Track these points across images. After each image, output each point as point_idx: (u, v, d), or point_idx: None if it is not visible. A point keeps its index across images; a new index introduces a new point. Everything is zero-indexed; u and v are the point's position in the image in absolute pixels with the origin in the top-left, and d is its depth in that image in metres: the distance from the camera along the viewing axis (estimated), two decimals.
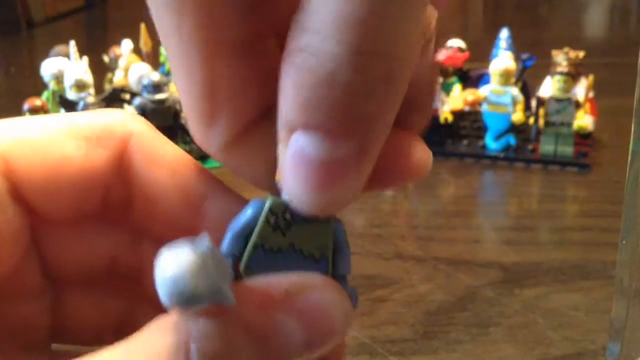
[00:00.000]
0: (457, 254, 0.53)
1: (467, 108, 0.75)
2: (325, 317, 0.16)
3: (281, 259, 0.18)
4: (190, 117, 0.17)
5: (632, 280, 0.32)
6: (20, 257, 0.20)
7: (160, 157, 0.20)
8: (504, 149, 0.73)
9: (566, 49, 0.71)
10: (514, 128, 0.72)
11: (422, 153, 0.19)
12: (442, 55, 0.82)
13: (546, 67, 0.72)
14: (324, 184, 0.15)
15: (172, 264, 0.14)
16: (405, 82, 0.15)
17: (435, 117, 0.74)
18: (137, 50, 0.90)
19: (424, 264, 0.52)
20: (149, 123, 0.21)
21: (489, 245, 0.56)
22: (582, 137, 0.70)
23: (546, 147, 0.70)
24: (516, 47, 0.81)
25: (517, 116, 0.71)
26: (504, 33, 0.82)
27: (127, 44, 0.92)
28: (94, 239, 0.21)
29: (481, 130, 0.75)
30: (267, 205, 0.18)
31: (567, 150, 0.70)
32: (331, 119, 0.15)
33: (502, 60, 0.71)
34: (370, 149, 0.15)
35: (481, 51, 0.88)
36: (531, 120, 0.73)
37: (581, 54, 0.71)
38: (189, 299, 0.14)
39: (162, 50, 0.92)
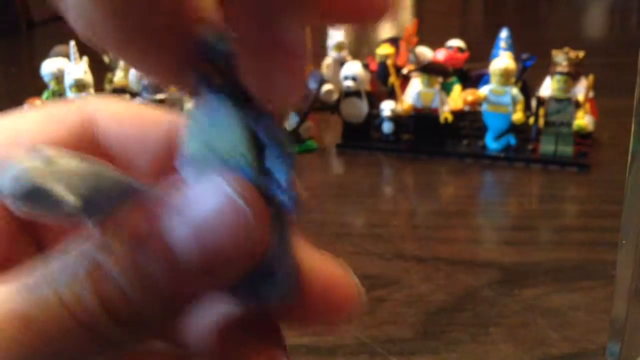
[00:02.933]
0: (457, 254, 0.53)
1: (467, 108, 0.75)
2: (213, 218, 0.15)
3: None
4: None
5: (632, 280, 0.32)
6: (9, 240, 0.20)
7: (123, 115, 0.20)
8: (504, 149, 0.73)
9: (566, 49, 0.71)
10: (514, 128, 0.72)
11: None
12: (442, 55, 0.82)
13: (546, 67, 0.72)
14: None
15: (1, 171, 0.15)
16: None
17: (435, 117, 0.74)
18: None
19: (424, 264, 0.52)
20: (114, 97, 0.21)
21: (489, 245, 0.56)
22: (582, 137, 0.70)
23: (546, 147, 0.70)
24: (516, 47, 0.81)
25: (517, 116, 0.71)
26: (504, 33, 0.82)
27: None
28: None
29: (481, 130, 0.75)
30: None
31: (567, 150, 0.70)
32: None
33: (502, 60, 0.71)
34: None
35: (481, 51, 0.88)
36: (531, 120, 0.73)
37: (581, 54, 0.71)
38: (11, 202, 0.14)
39: None
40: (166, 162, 0.19)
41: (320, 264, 0.18)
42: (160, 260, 0.15)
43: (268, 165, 0.16)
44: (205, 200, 0.15)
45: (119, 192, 0.15)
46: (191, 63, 0.16)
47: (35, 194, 0.14)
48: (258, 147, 0.16)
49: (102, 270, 0.15)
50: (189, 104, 0.18)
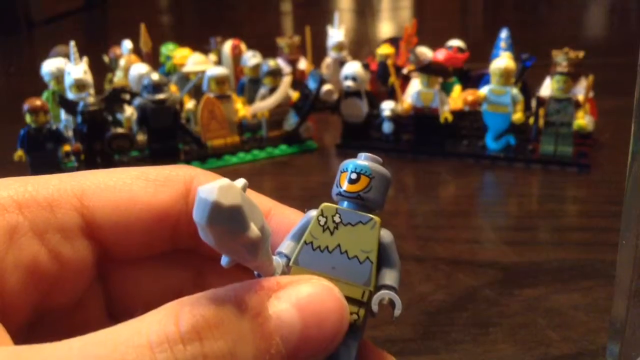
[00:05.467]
0: (457, 254, 0.53)
1: (467, 108, 0.75)
2: (318, 304, 0.18)
3: (328, 257, 0.20)
4: None
5: (632, 280, 0.32)
6: (83, 291, 0.21)
7: None
8: (504, 149, 0.73)
9: (566, 49, 0.71)
10: (514, 128, 0.72)
11: None
12: (442, 55, 0.82)
13: (546, 67, 0.72)
14: None
15: (206, 187, 0.16)
16: None
17: (435, 117, 0.74)
18: (137, 50, 0.90)
19: (424, 264, 0.52)
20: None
21: (489, 245, 0.56)
22: (582, 137, 0.70)
23: (546, 147, 0.70)
24: (516, 47, 0.81)
25: (517, 116, 0.71)
26: (504, 33, 0.82)
27: (127, 44, 0.92)
28: (161, 276, 0.23)
29: (481, 130, 0.75)
30: (320, 208, 0.20)
31: (567, 150, 0.70)
32: None
33: (502, 60, 0.71)
34: None
35: (481, 51, 0.88)
36: (531, 120, 0.73)
37: (581, 54, 0.71)
38: (212, 210, 0.15)
39: (162, 50, 0.93)
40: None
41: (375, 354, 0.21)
42: (266, 335, 0.17)
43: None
44: (314, 287, 0.18)
45: (269, 239, 0.18)
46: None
47: (235, 212, 0.16)
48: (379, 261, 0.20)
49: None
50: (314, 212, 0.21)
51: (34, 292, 0.20)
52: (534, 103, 0.73)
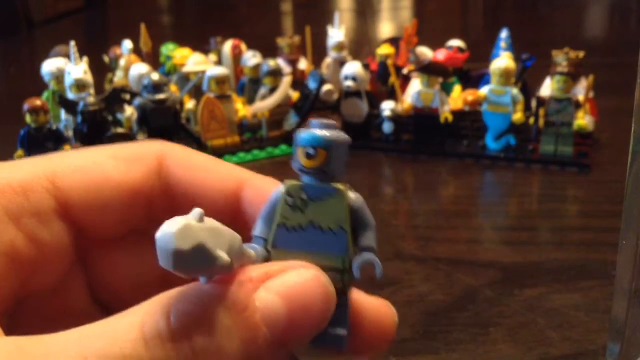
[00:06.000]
0: (457, 254, 0.53)
1: (467, 108, 0.75)
2: (303, 292, 0.18)
3: (303, 235, 0.20)
4: None
5: (632, 280, 0.32)
6: (63, 275, 0.21)
7: (193, 162, 0.22)
8: (504, 149, 0.73)
9: (566, 49, 0.71)
10: (514, 128, 0.72)
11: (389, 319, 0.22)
12: (442, 55, 0.82)
13: (546, 67, 0.72)
14: None
15: (163, 230, 0.16)
16: None
17: (435, 117, 0.74)
18: (137, 50, 0.90)
19: (424, 264, 0.52)
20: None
21: (489, 245, 0.56)
22: (582, 137, 0.70)
23: (546, 147, 0.70)
24: (516, 47, 0.81)
25: (517, 116, 0.71)
26: (504, 33, 0.82)
27: (127, 44, 0.92)
28: (141, 255, 0.23)
29: (481, 130, 0.75)
30: (283, 188, 0.20)
31: (567, 150, 0.70)
32: None
33: (502, 60, 0.71)
34: None
35: (481, 51, 0.88)
36: (531, 120, 0.73)
37: (581, 54, 0.71)
38: (176, 258, 0.15)
39: (162, 50, 0.93)
40: (227, 210, 0.22)
41: (367, 307, 0.22)
42: (252, 328, 0.17)
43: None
44: (299, 275, 0.18)
45: (239, 253, 0.18)
46: None
47: (198, 252, 0.16)
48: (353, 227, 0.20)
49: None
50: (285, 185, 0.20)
51: (13, 279, 0.20)
52: (534, 103, 0.73)
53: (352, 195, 0.21)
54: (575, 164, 0.69)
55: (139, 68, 0.82)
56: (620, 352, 0.34)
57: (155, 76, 0.74)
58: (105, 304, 0.22)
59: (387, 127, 0.76)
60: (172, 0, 2.46)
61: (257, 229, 0.20)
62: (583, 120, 0.69)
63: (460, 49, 0.86)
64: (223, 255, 0.16)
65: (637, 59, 0.29)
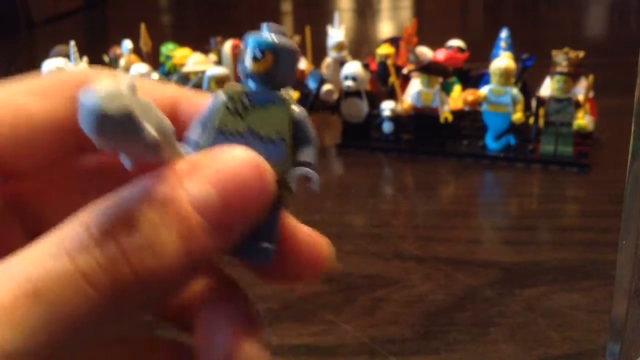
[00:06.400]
0: (457, 254, 0.53)
1: (467, 108, 0.75)
2: (236, 173, 0.17)
3: (240, 142, 0.19)
4: None
5: (632, 280, 0.32)
6: None
7: None
8: (504, 149, 0.73)
9: (566, 49, 0.71)
10: (514, 128, 0.72)
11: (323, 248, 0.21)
12: (442, 55, 0.82)
13: (546, 67, 0.72)
14: None
15: (90, 90, 0.14)
16: None
17: (435, 117, 0.74)
18: (137, 50, 0.90)
19: (424, 264, 0.52)
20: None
21: (489, 245, 0.56)
22: (582, 137, 0.70)
23: (546, 147, 0.70)
24: (516, 47, 0.81)
25: (517, 116, 0.71)
26: (504, 33, 0.82)
27: (127, 44, 0.92)
28: (76, 188, 0.21)
29: (481, 130, 0.75)
30: (226, 91, 0.19)
31: (567, 150, 0.70)
32: None
33: (502, 60, 0.71)
34: None
35: (481, 51, 0.88)
36: (531, 120, 0.73)
37: (581, 54, 0.71)
38: (99, 121, 0.14)
39: (162, 50, 0.93)
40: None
41: (300, 231, 0.20)
42: (185, 218, 0.16)
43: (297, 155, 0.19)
44: (227, 157, 0.17)
45: (171, 135, 0.17)
46: None
47: (125, 119, 0.14)
48: (294, 138, 0.19)
49: (127, 235, 0.16)
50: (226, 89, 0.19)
51: None
52: (534, 103, 0.73)
53: (296, 107, 0.19)
54: (575, 164, 0.69)
55: (139, 68, 0.82)
56: (620, 352, 0.34)
57: (155, 76, 0.74)
58: None
59: (387, 127, 0.76)
60: (172, 0, 2.46)
61: (192, 132, 0.19)
62: (583, 120, 0.69)
63: (460, 49, 0.86)
64: (150, 130, 0.15)
65: (637, 59, 0.29)
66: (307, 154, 0.20)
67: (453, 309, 0.46)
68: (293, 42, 0.20)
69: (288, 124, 0.19)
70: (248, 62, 0.19)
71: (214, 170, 0.17)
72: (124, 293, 0.15)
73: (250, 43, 0.19)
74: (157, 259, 0.16)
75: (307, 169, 0.19)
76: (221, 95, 0.19)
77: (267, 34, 0.19)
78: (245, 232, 0.18)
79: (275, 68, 0.19)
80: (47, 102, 0.20)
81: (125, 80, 0.15)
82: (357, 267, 0.52)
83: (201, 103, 0.20)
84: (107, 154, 0.17)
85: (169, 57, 0.90)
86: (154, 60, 0.89)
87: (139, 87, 0.15)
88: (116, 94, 0.14)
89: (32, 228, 0.21)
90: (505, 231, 0.59)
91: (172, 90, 0.21)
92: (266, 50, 0.19)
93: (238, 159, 0.17)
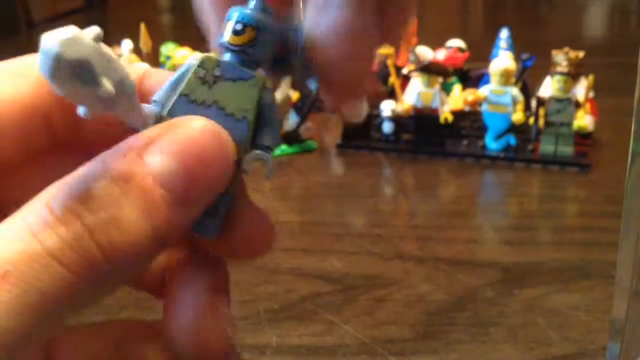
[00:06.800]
0: (457, 254, 0.53)
1: (467, 108, 0.75)
2: (196, 143, 0.17)
3: (203, 112, 0.18)
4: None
5: (632, 280, 0.32)
6: None
7: None
8: (504, 149, 0.73)
9: (566, 49, 0.71)
10: (514, 128, 0.72)
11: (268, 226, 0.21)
12: (442, 55, 0.82)
13: (546, 67, 0.72)
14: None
15: (51, 33, 0.14)
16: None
17: (436, 117, 0.74)
18: (137, 50, 0.90)
19: (424, 264, 0.52)
20: None
21: (489, 245, 0.56)
22: (582, 137, 0.70)
23: (546, 147, 0.70)
24: (516, 47, 0.81)
25: (517, 116, 0.71)
26: (504, 33, 0.82)
27: (127, 44, 0.92)
28: (47, 173, 0.21)
29: (481, 130, 0.75)
30: (199, 58, 0.19)
31: (567, 150, 0.70)
32: None
33: (502, 60, 0.71)
34: None
35: (481, 51, 0.88)
36: (531, 120, 0.73)
37: (581, 54, 0.71)
38: (56, 65, 0.14)
39: (162, 50, 0.92)
40: None
41: (248, 209, 0.20)
42: (147, 192, 0.16)
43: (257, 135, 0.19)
44: (188, 129, 0.17)
45: (131, 92, 0.16)
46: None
47: (81, 66, 0.14)
48: (259, 117, 0.19)
49: (95, 214, 0.16)
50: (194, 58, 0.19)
51: None
52: (534, 103, 0.73)
53: (267, 88, 0.19)
54: (575, 164, 0.69)
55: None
56: (620, 352, 0.34)
57: None
58: None
59: (387, 127, 0.76)
60: (172, 0, 2.46)
61: (158, 94, 0.19)
62: (583, 120, 0.69)
63: (460, 49, 0.86)
64: (106, 83, 0.15)
65: (637, 59, 0.29)
66: (268, 138, 0.19)
67: (453, 309, 0.46)
68: (277, 24, 0.19)
69: (255, 104, 0.19)
70: (227, 33, 0.19)
71: (174, 141, 0.17)
72: (94, 269, 0.15)
73: (232, 15, 0.19)
74: (122, 234, 0.16)
75: (264, 153, 0.19)
76: (193, 60, 0.19)
77: (254, 8, 0.19)
78: (212, 202, 0.18)
79: (254, 44, 0.19)
80: (17, 84, 0.20)
81: (91, 30, 0.15)
82: (357, 267, 0.52)
83: (165, 76, 0.20)
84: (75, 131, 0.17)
85: (169, 57, 0.90)
86: (154, 60, 0.89)
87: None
88: (77, 41, 0.14)
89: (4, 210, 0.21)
90: (505, 231, 0.59)
91: (135, 69, 0.21)
92: (247, 25, 0.19)
93: (198, 129, 0.17)
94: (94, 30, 0.15)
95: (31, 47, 0.15)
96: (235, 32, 0.19)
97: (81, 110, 0.16)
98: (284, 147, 0.78)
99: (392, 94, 0.80)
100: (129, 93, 0.16)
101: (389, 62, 0.80)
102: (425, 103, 0.74)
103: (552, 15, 1.65)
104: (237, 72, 0.19)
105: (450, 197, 0.69)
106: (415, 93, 0.74)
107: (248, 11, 0.19)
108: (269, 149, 0.19)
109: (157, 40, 0.93)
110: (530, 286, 0.48)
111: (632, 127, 0.30)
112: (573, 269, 0.50)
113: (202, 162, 0.17)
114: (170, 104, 0.18)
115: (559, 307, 0.45)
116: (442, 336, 0.43)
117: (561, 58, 0.70)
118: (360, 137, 0.78)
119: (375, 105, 0.78)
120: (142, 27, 0.88)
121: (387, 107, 0.76)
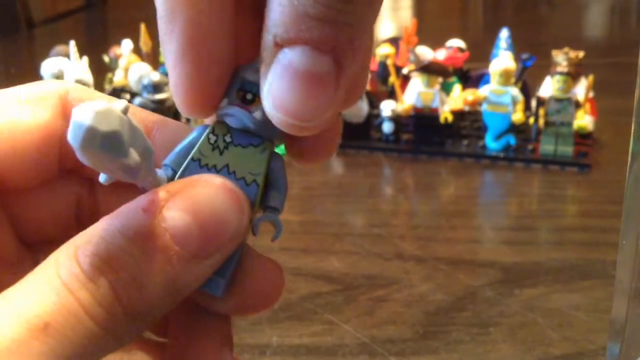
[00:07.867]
0: (457, 254, 0.53)
1: (467, 108, 0.75)
2: (212, 201, 0.18)
3: None
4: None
5: (632, 280, 0.32)
6: None
7: (97, 99, 0.21)
8: (504, 149, 0.73)
9: (566, 49, 0.71)
10: (514, 128, 0.72)
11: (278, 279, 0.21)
12: (442, 55, 0.82)
13: (546, 67, 0.72)
14: (310, 92, 0.16)
15: (84, 106, 0.15)
16: (377, 10, 0.17)
17: (435, 117, 0.74)
18: (137, 50, 0.90)
19: (424, 264, 0.52)
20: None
21: (489, 245, 0.56)
22: (582, 137, 0.70)
23: (546, 147, 0.70)
24: (516, 47, 0.81)
25: (517, 116, 0.71)
26: (504, 33, 0.82)
27: (127, 44, 0.92)
28: (59, 194, 0.22)
29: (481, 130, 0.75)
30: (211, 125, 0.19)
31: (567, 150, 0.70)
32: (316, 34, 0.16)
33: (502, 60, 0.71)
34: (346, 65, 0.17)
35: (481, 51, 0.88)
36: (531, 120, 0.73)
37: (581, 54, 0.71)
38: (87, 136, 0.15)
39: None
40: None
41: (257, 267, 0.20)
42: (165, 251, 0.17)
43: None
44: (205, 186, 0.18)
45: (151, 160, 0.17)
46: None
47: (112, 139, 0.15)
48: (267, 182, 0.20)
49: (117, 272, 0.17)
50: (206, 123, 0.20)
51: None
52: (534, 103, 0.73)
53: (276, 153, 0.20)
54: (575, 164, 0.69)
55: (139, 68, 0.82)
56: (620, 352, 0.34)
57: (155, 76, 0.74)
58: (32, 245, 0.22)
59: (387, 127, 0.76)
60: None
61: (169, 158, 0.20)
62: (583, 120, 0.69)
63: (460, 49, 0.86)
64: (134, 154, 0.16)
65: (637, 59, 0.29)
66: (276, 200, 0.20)
67: (453, 309, 0.46)
68: None
69: (264, 169, 0.20)
70: (236, 98, 0.19)
71: (192, 199, 0.18)
72: (117, 324, 0.16)
73: (244, 84, 0.19)
74: (140, 293, 0.17)
75: (273, 216, 0.20)
76: (204, 129, 0.20)
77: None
78: (225, 260, 0.18)
79: (262, 112, 0.19)
80: (34, 111, 0.21)
81: (120, 103, 0.16)
82: (357, 267, 0.52)
83: (176, 132, 0.21)
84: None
85: None
86: (154, 60, 0.89)
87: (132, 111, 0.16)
88: (110, 113, 0.15)
89: (17, 226, 0.22)
90: (505, 231, 0.59)
91: (146, 116, 0.22)
92: (257, 94, 0.19)
93: (215, 187, 0.18)
94: (123, 103, 0.16)
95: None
96: (245, 100, 0.19)
97: (102, 178, 0.17)
98: (283, 147, 0.78)
99: (392, 94, 0.80)
100: (149, 160, 0.17)
101: (389, 62, 0.80)
102: (425, 103, 0.74)
103: (552, 15, 1.65)
104: (248, 138, 0.20)
105: (450, 197, 0.69)
106: (415, 93, 0.74)
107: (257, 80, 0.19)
108: (276, 210, 0.20)
109: (157, 40, 0.93)
110: (530, 286, 0.48)
111: (632, 127, 0.30)
112: (573, 269, 0.50)
113: (217, 219, 0.18)
114: (182, 169, 0.19)
115: (559, 307, 0.45)
116: (442, 336, 0.43)
117: (561, 58, 0.70)
118: (360, 137, 0.78)
119: (375, 105, 0.78)
120: (142, 27, 0.88)
121: (387, 107, 0.76)
